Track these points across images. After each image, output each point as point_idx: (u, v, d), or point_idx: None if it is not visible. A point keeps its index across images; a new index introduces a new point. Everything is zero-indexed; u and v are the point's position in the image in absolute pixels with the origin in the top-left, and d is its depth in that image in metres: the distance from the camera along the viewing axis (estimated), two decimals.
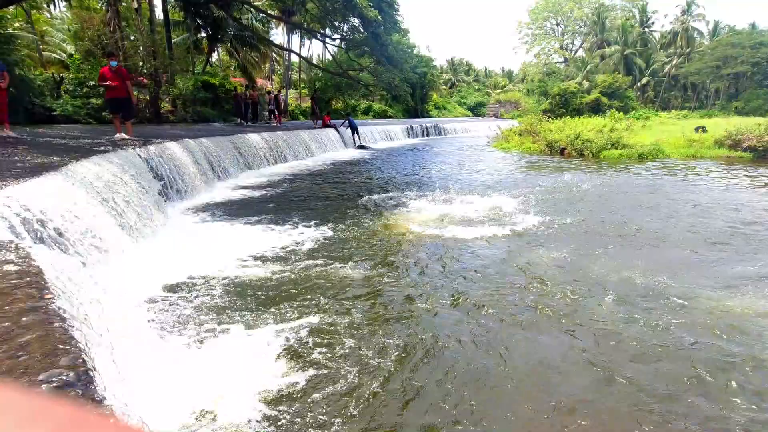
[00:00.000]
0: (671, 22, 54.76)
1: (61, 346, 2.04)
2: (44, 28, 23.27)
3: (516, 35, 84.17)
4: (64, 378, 1.81)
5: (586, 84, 46.21)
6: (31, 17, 21.18)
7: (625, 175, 12.95)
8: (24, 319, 2.16)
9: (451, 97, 66.47)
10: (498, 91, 71.36)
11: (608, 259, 5.58)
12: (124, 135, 9.90)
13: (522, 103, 59.31)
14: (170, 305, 4.24)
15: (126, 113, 9.99)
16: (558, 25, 67.70)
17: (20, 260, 2.87)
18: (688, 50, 52.49)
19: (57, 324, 2.24)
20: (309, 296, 4.44)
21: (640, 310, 4.19)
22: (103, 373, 2.29)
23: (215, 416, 2.74)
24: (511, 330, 3.84)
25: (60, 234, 4.52)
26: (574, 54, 64.80)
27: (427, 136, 32.85)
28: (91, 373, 1.99)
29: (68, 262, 3.95)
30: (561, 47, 66.64)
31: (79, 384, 1.82)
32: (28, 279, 2.64)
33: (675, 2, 56.72)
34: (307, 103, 33.66)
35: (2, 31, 14.41)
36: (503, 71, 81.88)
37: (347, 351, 3.44)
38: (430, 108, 52.68)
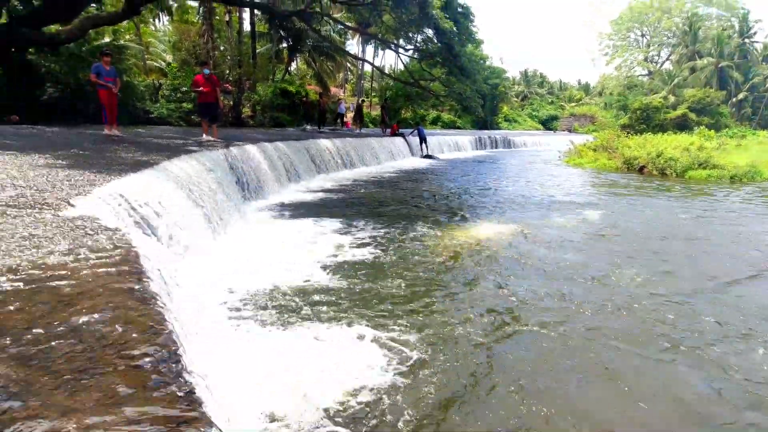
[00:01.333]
0: None
1: (155, 326, 2.27)
2: (149, 39, 25.84)
3: (596, 47, 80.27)
4: (158, 355, 2.01)
5: (672, 98, 43.07)
6: (139, 30, 23.62)
7: (722, 202, 11.79)
8: (125, 299, 2.42)
9: (522, 109, 64.73)
10: (573, 104, 68.43)
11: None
12: (210, 137, 10.72)
13: (598, 117, 56.41)
14: (244, 297, 4.52)
15: (213, 117, 10.84)
16: (643, 35, 63.78)
17: (122, 245, 3.19)
18: None
19: (152, 306, 2.50)
20: (378, 298, 4.55)
21: None
22: (188, 354, 2.52)
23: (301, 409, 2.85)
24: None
25: (154, 224, 5.01)
26: (660, 66, 60.62)
27: (496, 148, 32.25)
28: (179, 352, 2.20)
29: (162, 250, 4.38)
30: (645, 59, 62.65)
31: (170, 361, 2.03)
32: (128, 262, 2.93)
33: None
34: (376, 112, 34.35)
35: (116, 42, 16.22)
36: (579, 84, 78.48)
37: (422, 355, 3.50)
38: (499, 120, 51.68)
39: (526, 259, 6.09)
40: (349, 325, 3.99)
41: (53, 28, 14.04)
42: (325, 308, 4.31)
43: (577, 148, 24.18)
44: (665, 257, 6.39)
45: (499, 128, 49.20)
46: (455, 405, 2.99)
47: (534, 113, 64.37)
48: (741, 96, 48.47)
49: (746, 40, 50.20)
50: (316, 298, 4.55)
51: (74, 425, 1.42)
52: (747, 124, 45.64)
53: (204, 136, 10.83)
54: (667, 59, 61.23)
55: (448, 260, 5.93)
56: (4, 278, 2.34)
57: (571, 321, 4.25)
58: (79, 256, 2.78)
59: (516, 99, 66.67)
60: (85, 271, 2.58)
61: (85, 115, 14.87)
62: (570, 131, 54.03)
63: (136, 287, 2.59)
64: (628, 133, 29.57)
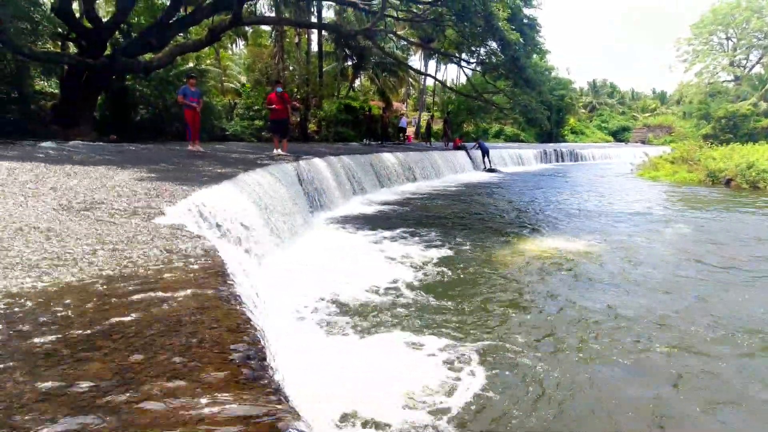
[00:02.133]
0: None
1: (242, 325, 2.43)
2: (226, 63, 27.86)
3: (674, 52, 75.24)
4: (248, 353, 2.15)
5: (763, 105, 39.27)
6: (218, 55, 25.56)
7: None
8: (213, 300, 2.60)
9: (591, 121, 61.87)
10: (647, 114, 64.38)
11: None
12: (280, 151, 11.27)
13: (676, 127, 52.56)
14: (313, 305, 4.69)
15: (284, 133, 11.41)
16: (728, 38, 58.80)
17: (208, 251, 3.43)
18: None
19: (238, 307, 2.67)
20: (443, 313, 4.54)
21: None
22: (270, 353, 2.67)
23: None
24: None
25: (233, 232, 5.36)
26: (749, 71, 55.48)
27: (562, 161, 31.06)
28: (265, 350, 2.34)
29: (244, 256, 4.68)
30: (731, 63, 57.66)
31: (257, 358, 2.16)
32: (215, 266, 3.15)
33: None
34: (438, 125, 34.40)
35: (199, 67, 17.67)
36: (654, 92, 73.77)
37: (496, 372, 3.45)
38: (565, 132, 49.75)
39: (609, 275, 5.80)
40: (415, 336, 4.01)
41: (147, 56, 15.56)
42: (389, 318, 4.37)
43: (652, 160, 22.70)
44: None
45: (565, 141, 47.37)
46: None
47: (603, 124, 61.28)
48: None
49: None
50: (380, 308, 4.63)
51: (180, 411, 1.56)
52: None
53: (275, 150, 11.41)
54: (758, 62, 55.91)
55: (520, 274, 5.78)
56: (106, 276, 2.62)
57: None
58: (172, 259, 3.04)
59: (584, 110, 63.88)
60: (178, 272, 2.82)
61: (169, 133, 16.25)
62: (644, 143, 50.85)
63: (223, 288, 2.79)
64: (711, 143, 27.30)
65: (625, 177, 20.69)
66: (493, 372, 3.40)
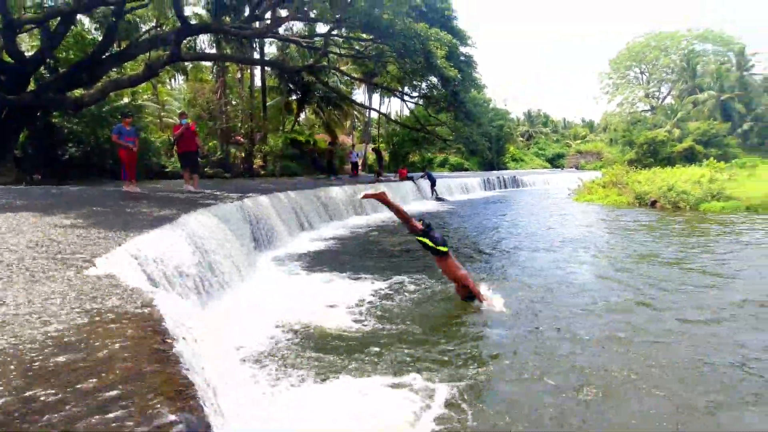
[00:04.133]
0: None
1: (182, 389, 2.22)
2: (165, 98, 27.05)
3: (597, 85, 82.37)
4: (188, 422, 1.94)
5: (677, 132, 43.40)
6: (156, 90, 24.79)
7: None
8: (151, 360, 2.38)
9: (528, 149, 65.60)
10: (578, 141, 69.25)
11: None
12: (191, 188, 10.68)
13: (604, 153, 56.79)
14: (259, 350, 4.44)
15: (193, 167, 10.88)
16: (642, 73, 65.22)
17: (143, 304, 3.18)
18: None
19: (178, 368, 2.46)
20: (387, 349, 4.44)
21: None
22: (214, 413, 2.45)
23: None
24: None
25: (172, 279, 5.03)
26: (662, 102, 61.56)
27: (505, 188, 32.43)
28: (208, 419, 2.14)
29: (182, 306, 4.37)
30: (646, 95, 63.73)
31: (200, 427, 1.96)
32: (150, 321, 2.91)
33: None
34: (385, 157, 35.05)
35: (135, 103, 16.99)
36: (583, 121, 79.69)
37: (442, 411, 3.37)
38: (506, 160, 52.30)
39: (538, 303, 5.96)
40: (365, 374, 3.89)
41: (77, 92, 14.78)
42: (337, 357, 4.23)
43: (586, 185, 24.21)
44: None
45: (506, 168, 49.71)
46: None
47: (540, 152, 65.14)
48: (746, 126, 48.74)
49: (745, 73, 51.11)
50: (328, 347, 4.48)
51: None
52: (756, 153, 45.52)
53: (185, 186, 10.80)
54: (668, 94, 62.26)
55: (460, 306, 5.81)
56: (26, 338, 2.33)
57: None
58: (103, 317, 2.77)
59: (521, 139, 67.72)
60: (109, 334, 2.56)
61: (102, 170, 15.35)
62: (577, 168, 54.35)
63: (160, 347, 2.56)
64: (636, 167, 29.64)
65: (563, 202, 21.86)
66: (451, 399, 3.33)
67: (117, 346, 2.43)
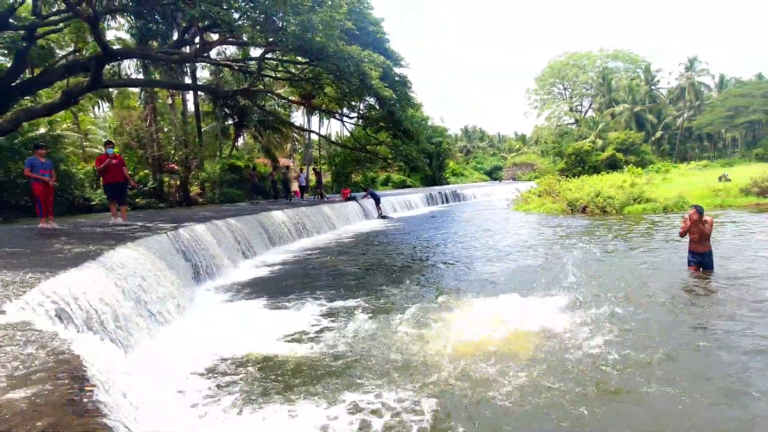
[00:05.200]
0: (677, 78, 56.27)
1: None
2: (88, 127, 25.44)
3: (525, 101, 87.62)
4: None
5: (599, 142, 46.88)
6: (78, 118, 23.27)
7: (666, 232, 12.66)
8: (68, 413, 2.16)
9: (468, 163, 68.05)
10: (513, 154, 72.81)
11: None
12: (119, 220, 10.07)
13: (538, 164, 60.11)
14: (201, 387, 4.19)
15: (121, 199, 10.26)
16: (565, 89, 70.26)
17: (60, 352, 2.91)
18: (698, 103, 53.35)
19: (99, 418, 2.24)
20: (334, 378, 4.32)
21: None
22: None
23: None
24: None
25: (96, 321, 4.62)
26: (584, 114, 66.51)
27: (447, 202, 33.26)
28: None
29: (106, 351, 4.01)
30: (570, 109, 68.59)
31: None
32: (68, 370, 2.66)
33: (678, 60, 58.83)
34: (327, 178, 34.90)
35: (52, 133, 15.79)
36: (516, 135, 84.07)
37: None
38: (447, 175, 53.82)
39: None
40: (300, 402, 3.75)
41: None
42: (280, 390, 4.05)
43: (523, 195, 25.39)
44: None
45: (447, 183, 51.14)
46: None
47: (479, 165, 67.74)
48: (658, 135, 53.70)
49: (652, 87, 56.52)
50: (266, 384, 4.27)
51: None
52: (668, 159, 50.13)
53: (113, 219, 10.14)
54: (590, 108, 67.47)
55: (407, 333, 5.79)
56: None
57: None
58: (13, 370, 2.49)
59: (460, 154, 70.23)
60: (21, 387, 2.30)
61: (15, 208, 14.06)
62: (514, 179, 56.97)
63: (79, 398, 2.34)
64: (566, 176, 31.56)
65: (503, 212, 22.74)
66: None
67: (30, 399, 2.19)
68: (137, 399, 3.27)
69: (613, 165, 39.20)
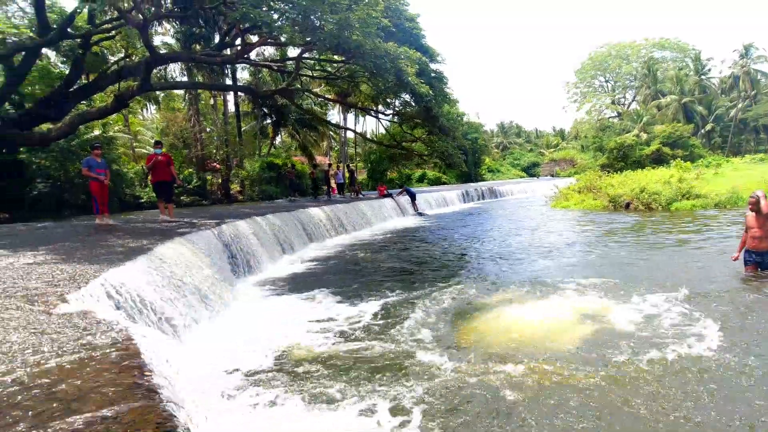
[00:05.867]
0: (730, 67, 53.07)
1: (163, 423, 2.15)
2: (137, 128, 26.74)
3: (564, 95, 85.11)
4: None
5: (644, 136, 44.87)
6: (128, 121, 24.51)
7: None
8: (128, 396, 2.30)
9: (504, 159, 66.84)
10: (551, 150, 70.94)
11: None
12: (166, 217, 10.46)
13: (577, 159, 58.29)
14: (242, 380, 4.32)
15: (168, 197, 10.68)
16: (607, 81, 67.73)
17: (119, 339, 3.09)
18: (753, 93, 50.14)
19: (157, 402, 2.38)
20: (376, 375, 4.38)
21: None
22: None
23: None
24: None
25: (149, 312, 4.89)
26: (628, 107, 63.85)
27: (483, 199, 32.82)
28: None
29: (159, 338, 4.24)
30: (613, 102, 66.06)
31: None
32: (127, 356, 2.83)
33: (731, 47, 55.55)
34: (362, 176, 35.19)
35: (106, 135, 16.73)
36: (554, 130, 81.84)
37: None
38: (483, 171, 53.09)
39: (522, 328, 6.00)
40: (344, 400, 3.82)
41: (44, 126, 14.47)
42: (322, 386, 4.12)
43: (562, 191, 24.72)
44: None
45: (483, 179, 50.44)
46: None
47: (516, 162, 66.41)
48: (708, 127, 50.84)
49: (702, 77, 53.52)
50: (308, 373, 4.38)
51: None
52: (719, 152, 47.41)
53: (161, 216, 10.54)
54: (633, 100, 64.70)
55: (442, 331, 5.78)
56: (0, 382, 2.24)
57: None
58: (76, 355, 2.68)
59: (496, 150, 69.03)
60: (84, 370, 2.48)
61: (73, 206, 14.96)
62: (552, 176, 55.51)
63: (139, 381, 2.49)
64: (608, 172, 30.45)
65: (540, 209, 22.23)
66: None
67: (94, 381, 2.35)
68: (189, 385, 3.45)
69: (658, 160, 37.45)
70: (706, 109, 51.51)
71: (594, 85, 68.23)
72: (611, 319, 5.38)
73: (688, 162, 31.60)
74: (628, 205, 18.43)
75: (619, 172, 30.08)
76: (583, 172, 34.55)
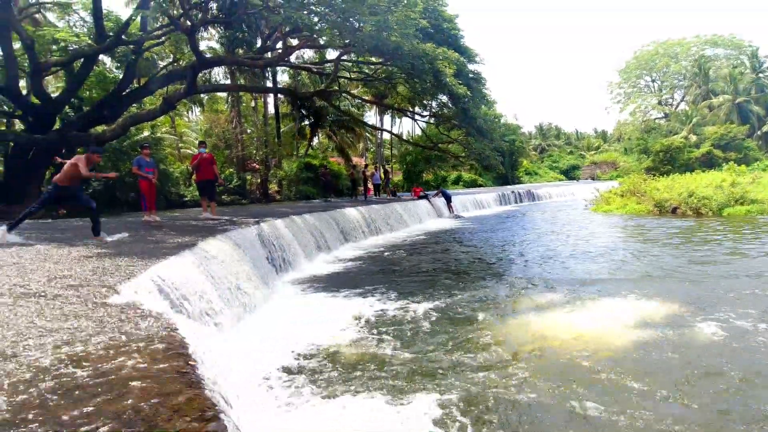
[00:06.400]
0: None
1: (207, 411, 2.24)
2: (183, 130, 27.90)
3: (607, 95, 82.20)
4: None
5: (693, 138, 42.75)
6: (174, 122, 25.61)
7: None
8: (175, 383, 2.41)
9: (542, 161, 65.23)
10: (592, 152, 68.62)
11: None
12: (209, 215, 10.80)
13: (620, 162, 56.12)
14: (280, 374, 4.42)
15: (211, 195, 11.05)
16: (653, 81, 64.87)
17: (166, 330, 3.22)
18: None
19: (201, 389, 2.48)
20: (414, 375, 4.39)
21: None
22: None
23: None
24: None
25: (192, 305, 5.09)
26: (675, 108, 60.88)
27: (520, 202, 32.16)
28: None
29: (203, 331, 4.42)
30: (659, 102, 63.20)
31: None
32: (173, 346, 2.95)
33: None
34: (398, 177, 35.23)
35: (154, 136, 17.57)
36: (596, 132, 79.12)
37: None
38: (520, 174, 52.02)
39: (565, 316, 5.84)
40: (377, 394, 3.84)
41: (99, 128, 15.35)
42: (355, 384, 4.17)
43: (603, 195, 23.89)
44: None
45: (521, 182, 49.40)
46: None
47: (554, 164, 64.64)
48: (766, 129, 47.73)
49: (760, 75, 50.30)
50: (346, 369, 4.46)
51: None
52: None
53: (204, 213, 10.93)
54: (682, 100, 61.58)
55: (480, 336, 5.71)
56: (57, 367, 2.39)
57: None
58: (126, 342, 2.83)
59: (534, 152, 67.42)
60: (133, 358, 2.61)
61: (124, 203, 15.77)
62: (593, 179, 53.71)
63: (184, 370, 2.59)
64: (653, 175, 29.18)
65: (580, 213, 21.57)
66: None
67: (142, 369, 2.48)
68: (230, 375, 3.57)
69: (709, 163, 35.63)
70: (764, 109, 48.37)
71: (639, 85, 65.47)
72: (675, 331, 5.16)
73: (743, 165, 29.82)
74: (674, 210, 17.60)
75: (665, 175, 28.79)
76: (626, 176, 33.22)
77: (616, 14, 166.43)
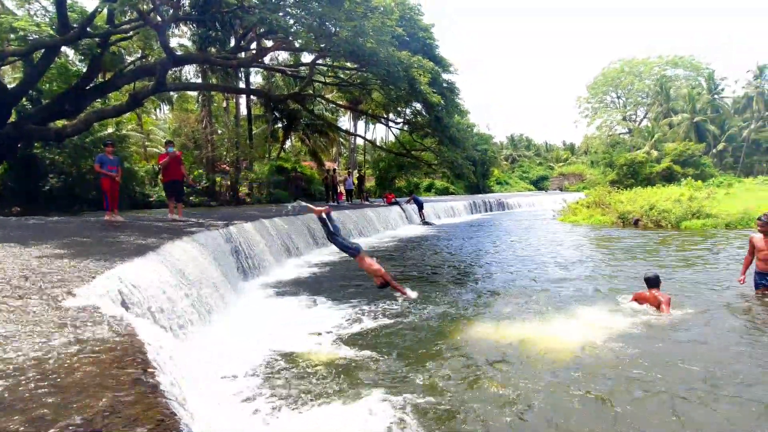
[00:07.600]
0: (743, 87, 52.80)
1: (165, 420, 2.14)
2: (150, 128, 27.06)
3: (576, 109, 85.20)
4: None
5: (655, 153, 44.68)
6: (141, 120, 24.81)
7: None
8: (132, 391, 2.30)
9: (513, 171, 66.73)
10: (560, 164, 70.72)
11: None
12: (176, 216, 10.57)
13: (586, 174, 58.05)
14: (245, 380, 4.31)
15: (178, 196, 10.81)
16: (618, 97, 67.61)
17: (124, 334, 3.09)
18: (766, 113, 49.77)
19: (160, 398, 2.37)
20: (374, 376, 4.36)
21: None
22: None
23: None
24: None
25: (154, 309, 4.90)
26: (639, 124, 63.62)
27: (490, 211, 32.71)
28: None
29: (164, 336, 4.25)
30: (624, 118, 65.89)
31: None
32: (132, 351, 2.82)
33: (745, 67, 55.29)
34: (371, 183, 35.24)
35: (119, 132, 16.95)
36: (564, 144, 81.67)
37: None
38: (491, 183, 53.00)
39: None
40: (342, 400, 3.79)
41: (60, 122, 14.68)
42: (325, 387, 4.12)
43: (570, 206, 24.58)
44: None
45: (491, 191, 50.31)
46: None
47: (524, 174, 66.24)
48: (720, 147, 50.50)
49: (715, 96, 53.23)
50: (310, 374, 4.38)
51: None
52: (731, 172, 47.04)
53: (170, 215, 10.66)
54: (645, 117, 64.47)
55: (441, 339, 5.75)
56: (3, 374, 2.24)
57: None
58: (81, 349, 2.68)
59: (506, 162, 68.93)
60: (89, 365, 2.48)
61: (84, 201, 15.12)
62: (561, 190, 55.28)
63: (142, 378, 2.48)
64: (617, 188, 30.28)
65: (548, 223, 22.10)
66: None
67: (97, 376, 2.35)
68: (191, 382, 3.44)
69: (669, 177, 37.28)
70: (719, 128, 51.22)
71: (606, 100, 68.18)
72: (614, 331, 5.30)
73: (699, 181, 31.36)
74: (637, 222, 18.28)
75: (628, 188, 29.91)
76: (592, 188, 34.35)
77: (591, 24, 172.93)
